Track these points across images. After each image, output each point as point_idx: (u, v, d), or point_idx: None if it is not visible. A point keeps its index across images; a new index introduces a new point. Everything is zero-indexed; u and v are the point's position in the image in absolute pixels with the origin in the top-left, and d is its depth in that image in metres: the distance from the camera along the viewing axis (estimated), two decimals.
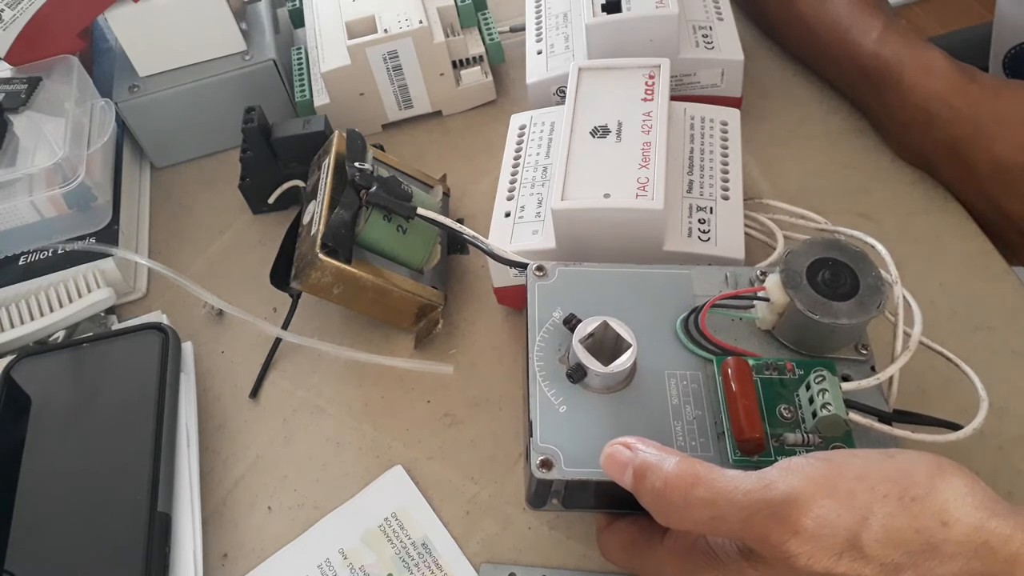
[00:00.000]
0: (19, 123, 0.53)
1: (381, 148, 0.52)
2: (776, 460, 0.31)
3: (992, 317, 0.45)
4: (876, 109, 0.53)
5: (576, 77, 0.46)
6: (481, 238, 0.43)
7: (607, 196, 0.40)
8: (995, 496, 0.29)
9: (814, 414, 0.33)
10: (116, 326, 0.51)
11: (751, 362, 0.35)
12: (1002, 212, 0.48)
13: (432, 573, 0.40)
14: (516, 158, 0.47)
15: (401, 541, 0.41)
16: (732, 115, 0.47)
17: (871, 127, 0.54)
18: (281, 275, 0.47)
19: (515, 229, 0.44)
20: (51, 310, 0.50)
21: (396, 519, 0.42)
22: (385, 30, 0.54)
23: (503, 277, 0.45)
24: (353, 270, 0.44)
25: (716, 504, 0.29)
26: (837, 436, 0.33)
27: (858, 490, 0.29)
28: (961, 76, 0.48)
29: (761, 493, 0.29)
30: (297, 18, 0.62)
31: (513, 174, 0.46)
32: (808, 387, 0.34)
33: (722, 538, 0.32)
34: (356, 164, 0.46)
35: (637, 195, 0.40)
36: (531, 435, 0.34)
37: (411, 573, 0.40)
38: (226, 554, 0.42)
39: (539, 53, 0.53)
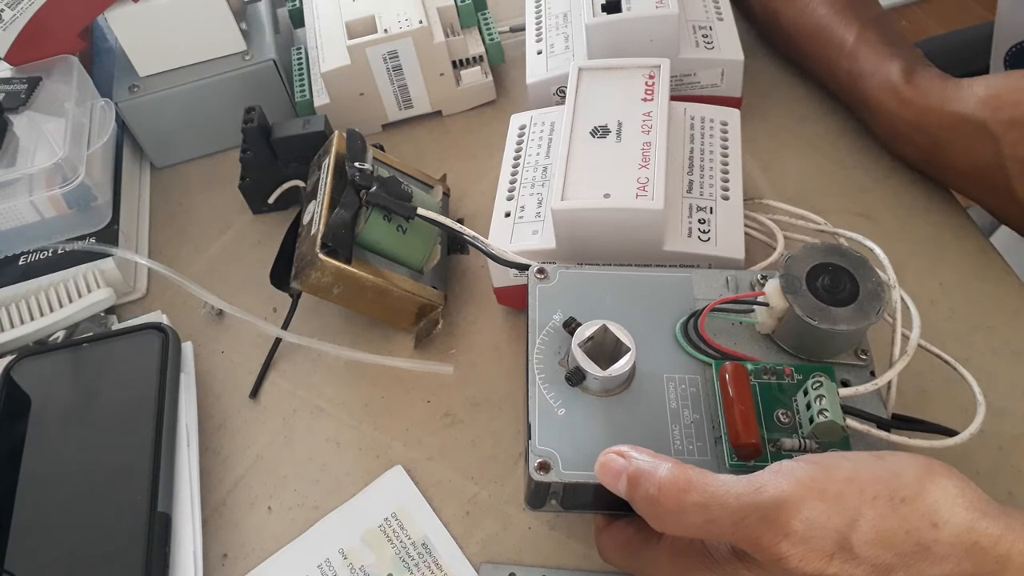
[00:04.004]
0: (19, 123, 0.53)
1: (381, 148, 0.52)
2: None
3: (992, 317, 0.45)
4: (860, 116, 0.53)
5: (576, 77, 0.46)
6: (481, 238, 0.43)
7: (607, 196, 0.41)
8: (985, 497, 0.29)
9: (811, 420, 0.33)
10: (116, 326, 0.51)
11: (750, 367, 0.35)
12: (994, 208, 0.48)
13: (432, 573, 0.40)
14: (516, 158, 0.47)
15: (401, 541, 0.41)
16: (732, 115, 0.47)
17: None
18: (281, 275, 0.47)
19: (515, 229, 0.44)
20: (51, 310, 0.50)
21: (396, 519, 0.42)
22: (385, 30, 0.54)
23: (503, 277, 0.45)
24: (353, 270, 0.44)
25: (708, 508, 0.29)
26: (834, 442, 0.33)
27: (848, 492, 0.29)
28: (908, 87, 0.48)
29: (752, 497, 0.29)
30: (297, 18, 0.61)
31: (513, 174, 0.46)
32: (806, 392, 0.34)
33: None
34: (356, 164, 0.45)
35: (637, 195, 0.40)
36: (530, 437, 0.34)
37: (411, 573, 0.40)
38: (226, 554, 0.42)
39: (539, 53, 0.53)
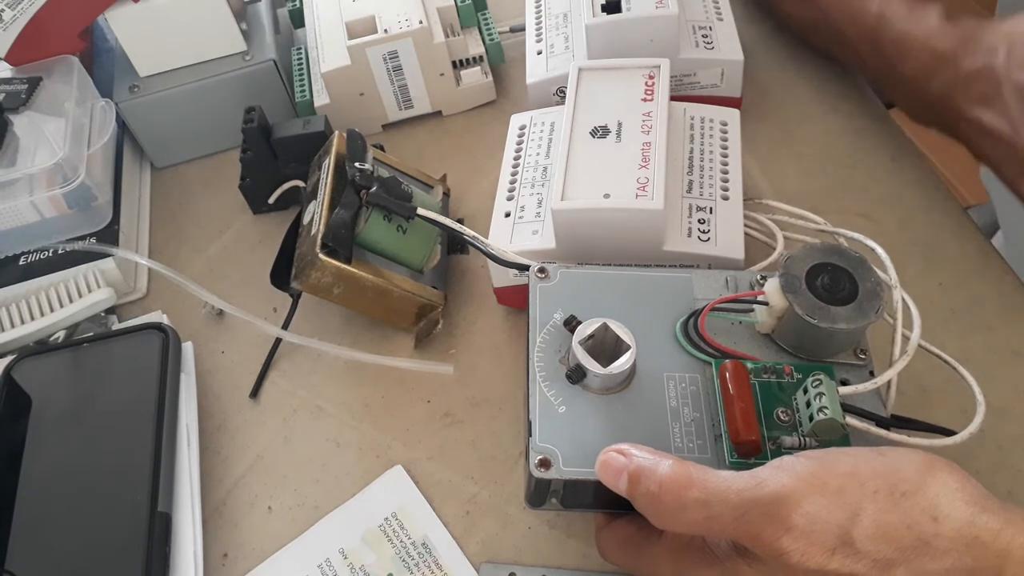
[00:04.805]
0: (19, 123, 0.53)
1: (381, 148, 0.52)
2: None
3: (992, 317, 0.45)
4: (880, 71, 0.52)
5: (576, 77, 0.46)
6: (481, 238, 0.43)
7: (607, 196, 0.41)
8: (985, 492, 0.29)
9: (811, 418, 0.33)
10: (116, 326, 0.51)
11: (749, 365, 0.35)
12: (997, 159, 0.46)
13: (432, 573, 0.40)
14: (516, 158, 0.47)
15: (401, 541, 0.41)
16: (732, 115, 0.47)
17: (871, 125, 0.54)
18: (281, 275, 0.47)
19: (515, 229, 0.44)
20: (51, 310, 0.50)
21: (396, 519, 0.42)
22: (385, 30, 0.54)
23: (503, 277, 0.45)
24: (353, 270, 0.44)
25: (709, 504, 0.29)
26: (834, 440, 0.33)
27: (848, 487, 0.29)
28: (949, 24, 0.47)
29: (752, 492, 0.29)
30: (297, 18, 0.61)
31: (513, 174, 0.47)
32: (805, 391, 0.34)
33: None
34: (356, 164, 0.45)
35: (637, 195, 0.40)
36: (530, 435, 0.34)
37: (411, 573, 0.40)
38: (226, 554, 0.42)
39: (539, 53, 0.53)
